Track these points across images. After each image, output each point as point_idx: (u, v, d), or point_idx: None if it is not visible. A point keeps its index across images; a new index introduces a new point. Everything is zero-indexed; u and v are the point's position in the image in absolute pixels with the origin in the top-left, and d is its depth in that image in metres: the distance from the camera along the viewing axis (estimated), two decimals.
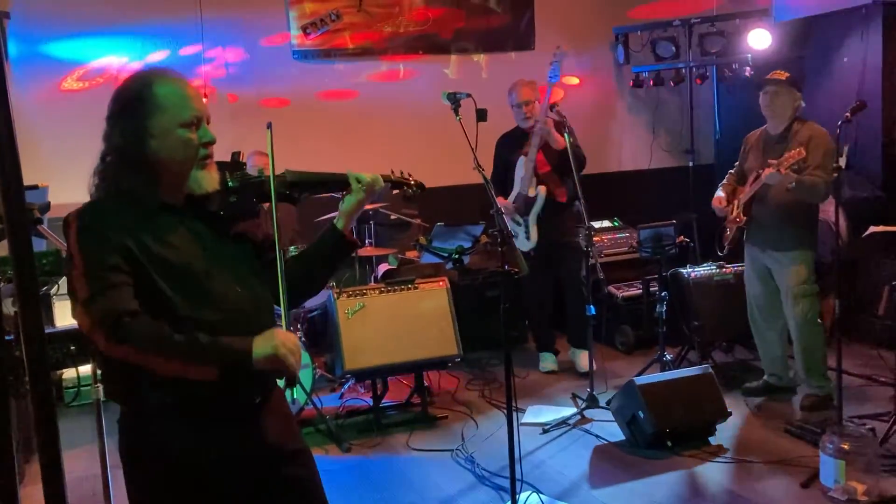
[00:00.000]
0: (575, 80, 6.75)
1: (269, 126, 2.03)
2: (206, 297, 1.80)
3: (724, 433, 4.03)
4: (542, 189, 4.94)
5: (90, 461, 3.55)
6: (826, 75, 5.83)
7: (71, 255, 1.73)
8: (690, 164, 6.46)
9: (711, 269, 5.06)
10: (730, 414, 4.02)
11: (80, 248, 1.72)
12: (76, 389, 3.57)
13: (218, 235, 1.92)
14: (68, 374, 4.36)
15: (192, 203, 1.88)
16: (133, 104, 1.82)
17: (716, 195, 4.47)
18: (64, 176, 5.09)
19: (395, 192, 2.24)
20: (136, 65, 5.53)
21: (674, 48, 6.35)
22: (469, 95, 3.29)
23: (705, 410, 3.96)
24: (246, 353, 1.72)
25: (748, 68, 6.07)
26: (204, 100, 1.91)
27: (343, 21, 5.95)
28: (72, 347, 2.70)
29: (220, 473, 1.86)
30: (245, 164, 2.01)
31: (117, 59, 5.51)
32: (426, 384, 4.67)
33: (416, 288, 4.51)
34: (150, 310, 1.72)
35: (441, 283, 4.55)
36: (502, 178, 5.09)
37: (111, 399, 1.92)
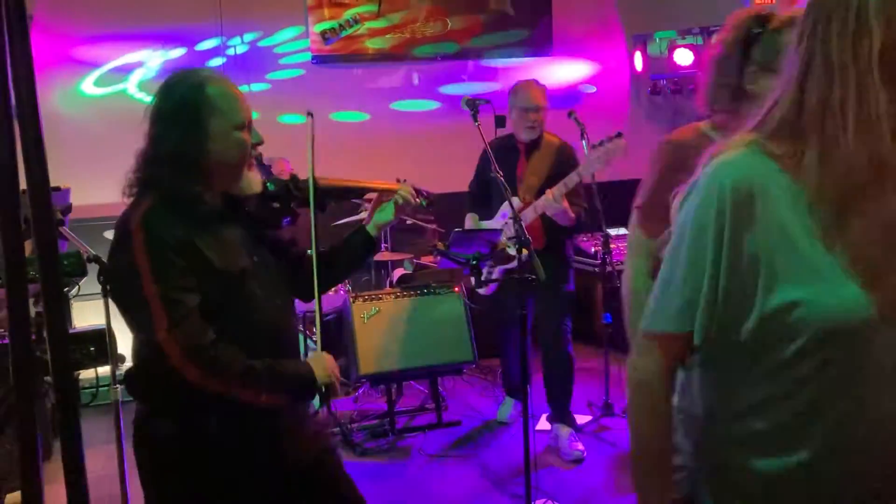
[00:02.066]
0: (592, 88, 6.73)
1: (310, 115, 2.01)
2: (245, 301, 1.82)
3: None
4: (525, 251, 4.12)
5: (106, 461, 3.57)
6: None
7: (136, 268, 1.69)
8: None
9: None
10: None
11: (153, 268, 1.69)
12: (94, 390, 3.59)
13: (255, 238, 1.93)
14: (85, 374, 4.39)
15: (230, 205, 1.88)
16: (188, 107, 1.79)
17: None
18: (84, 178, 5.15)
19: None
20: (156, 69, 5.57)
21: (693, 55, 6.33)
22: (488, 102, 3.29)
23: None
24: (312, 381, 1.84)
25: None
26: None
27: (362, 27, 5.97)
28: (91, 349, 2.72)
29: (254, 480, 1.88)
30: (270, 167, 2.03)
31: (138, 64, 5.55)
32: (440, 390, 4.66)
33: (431, 293, 4.51)
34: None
35: (457, 289, 4.55)
36: (482, 194, 4.18)
37: (141, 403, 1.91)
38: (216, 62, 5.69)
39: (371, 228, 2.13)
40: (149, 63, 5.57)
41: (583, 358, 5.48)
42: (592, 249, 5.55)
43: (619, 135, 3.76)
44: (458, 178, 5.04)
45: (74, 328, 4.15)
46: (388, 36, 6.05)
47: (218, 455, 1.83)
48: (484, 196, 4.17)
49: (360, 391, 4.88)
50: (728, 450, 1.29)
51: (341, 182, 2.09)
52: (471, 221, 4.27)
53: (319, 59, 5.91)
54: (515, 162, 4.10)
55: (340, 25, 5.93)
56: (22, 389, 1.40)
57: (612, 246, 4.52)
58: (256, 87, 5.81)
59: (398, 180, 2.23)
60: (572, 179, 3.80)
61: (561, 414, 4.18)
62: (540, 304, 4.11)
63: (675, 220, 1.27)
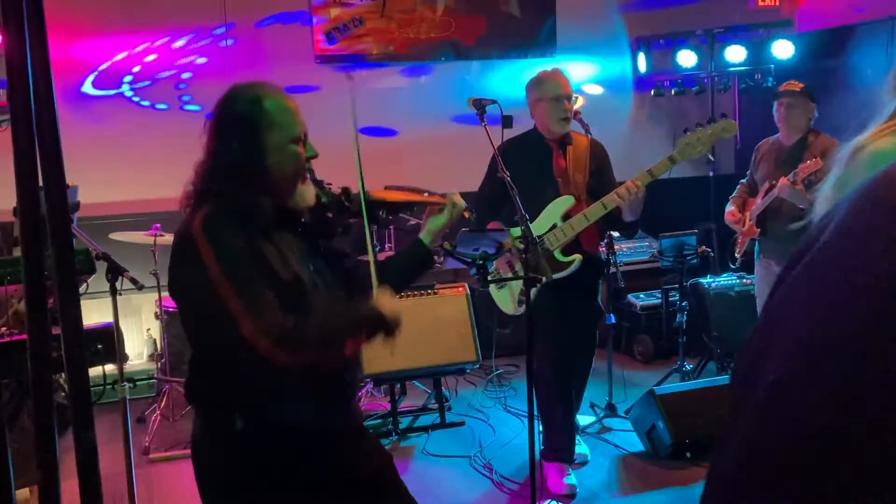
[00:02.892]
0: (596, 89, 6.74)
1: (350, 77, 2.07)
2: (304, 308, 1.82)
3: None
4: (579, 256, 3.58)
5: (113, 459, 3.57)
6: (850, 87, 5.80)
7: (207, 272, 1.71)
8: (711, 173, 6.43)
9: (732, 280, 5.04)
10: None
11: (223, 268, 1.71)
12: (102, 388, 3.59)
13: (311, 250, 1.95)
14: (92, 372, 4.39)
15: (286, 217, 1.89)
16: (247, 120, 1.82)
17: (728, 209, 4.44)
18: (91, 175, 5.16)
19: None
20: (163, 66, 5.58)
21: (696, 58, 6.34)
22: (495, 102, 3.29)
23: (720, 422, 3.93)
24: (381, 315, 1.83)
25: (771, 79, 6.05)
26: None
27: (366, 27, 5.98)
28: (98, 346, 2.72)
29: (313, 495, 1.91)
30: (322, 180, 2.03)
31: (143, 62, 5.56)
32: (444, 390, 4.67)
33: (435, 293, 4.52)
34: None
35: (461, 289, 4.55)
36: (495, 197, 3.53)
37: (197, 403, 1.94)
38: (220, 62, 5.69)
39: (425, 237, 2.13)
40: (152, 61, 5.58)
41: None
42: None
43: (724, 116, 3.67)
44: (462, 179, 5.02)
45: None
46: (391, 36, 6.05)
47: (276, 470, 1.86)
48: (501, 201, 3.54)
49: (364, 391, 4.89)
50: None
51: (392, 196, 2.12)
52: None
53: (323, 59, 5.92)
54: (549, 160, 3.69)
55: (345, 25, 5.94)
56: (38, 374, 1.40)
57: (615, 247, 4.52)
58: None
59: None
60: (664, 165, 3.51)
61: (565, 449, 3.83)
62: (575, 314, 3.71)
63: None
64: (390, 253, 5.08)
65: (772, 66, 6.02)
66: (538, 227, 3.55)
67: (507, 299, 3.75)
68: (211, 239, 1.73)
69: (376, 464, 2.07)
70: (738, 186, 4.53)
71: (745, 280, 5.01)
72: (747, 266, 4.58)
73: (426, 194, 2.19)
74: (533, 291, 3.36)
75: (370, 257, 1.97)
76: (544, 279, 2.94)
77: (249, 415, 1.84)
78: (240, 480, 1.87)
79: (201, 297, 1.76)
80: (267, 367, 1.77)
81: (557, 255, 3.56)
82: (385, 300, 1.86)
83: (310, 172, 1.95)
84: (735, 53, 6.16)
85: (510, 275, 3.62)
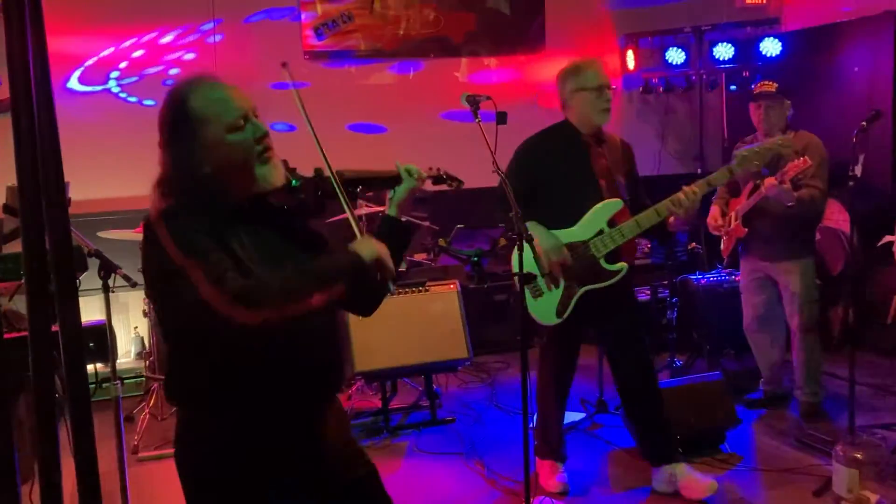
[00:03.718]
0: None
1: (284, 66, 2.01)
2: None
3: (734, 441, 4.02)
4: (625, 264, 3.38)
5: (103, 458, 3.54)
6: (836, 84, 5.84)
7: (165, 251, 1.70)
8: (699, 170, 6.46)
9: (721, 277, 5.06)
10: (741, 421, 4.02)
11: (179, 243, 1.69)
12: (94, 386, 3.55)
13: (286, 235, 1.90)
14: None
15: (257, 203, 1.85)
16: (175, 127, 1.78)
17: (711, 213, 4.46)
18: (78, 172, 5.09)
19: (435, 186, 2.23)
20: (151, 61, 5.53)
21: (685, 55, 6.36)
22: (489, 98, 3.28)
23: (716, 418, 3.95)
24: (360, 260, 1.80)
25: (759, 76, 6.08)
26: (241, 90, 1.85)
27: (355, 23, 5.96)
28: (90, 344, 2.69)
29: (286, 475, 1.88)
30: (294, 168, 1.99)
31: (130, 57, 5.51)
32: (435, 387, 4.66)
33: (426, 290, 4.51)
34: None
35: (452, 286, 4.55)
36: (526, 195, 3.30)
37: (175, 401, 1.92)
38: (207, 57, 5.65)
39: (391, 210, 2.08)
40: (139, 56, 5.53)
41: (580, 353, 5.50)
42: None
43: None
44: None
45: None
46: (380, 33, 6.03)
47: (253, 470, 1.83)
48: (533, 198, 3.37)
49: (354, 388, 4.87)
50: None
51: (366, 172, 2.08)
52: (541, 232, 3.33)
53: (312, 55, 5.89)
54: (586, 157, 3.42)
55: (333, 21, 5.91)
56: (38, 364, 1.39)
57: None
58: (248, 81, 5.78)
59: (431, 168, 2.18)
60: (723, 175, 3.33)
61: (668, 450, 3.55)
62: (616, 323, 3.50)
63: None
64: None
65: (759, 63, 6.05)
66: (581, 231, 3.34)
67: (547, 309, 3.41)
68: (167, 223, 1.72)
69: (355, 473, 2.04)
70: (718, 189, 4.55)
71: (734, 277, 5.03)
72: (736, 262, 4.61)
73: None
74: (574, 299, 3.32)
75: (348, 214, 1.94)
76: (538, 276, 2.93)
77: (226, 413, 1.81)
78: (217, 480, 1.85)
79: (163, 274, 1.73)
80: (243, 362, 1.76)
81: (603, 262, 3.34)
82: (363, 245, 1.83)
83: (270, 149, 1.87)
84: (723, 51, 6.19)
85: (546, 288, 3.38)
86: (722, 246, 4.53)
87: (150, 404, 4.54)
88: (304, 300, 1.73)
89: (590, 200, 3.35)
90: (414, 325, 4.39)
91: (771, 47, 5.95)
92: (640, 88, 6.65)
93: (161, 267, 1.72)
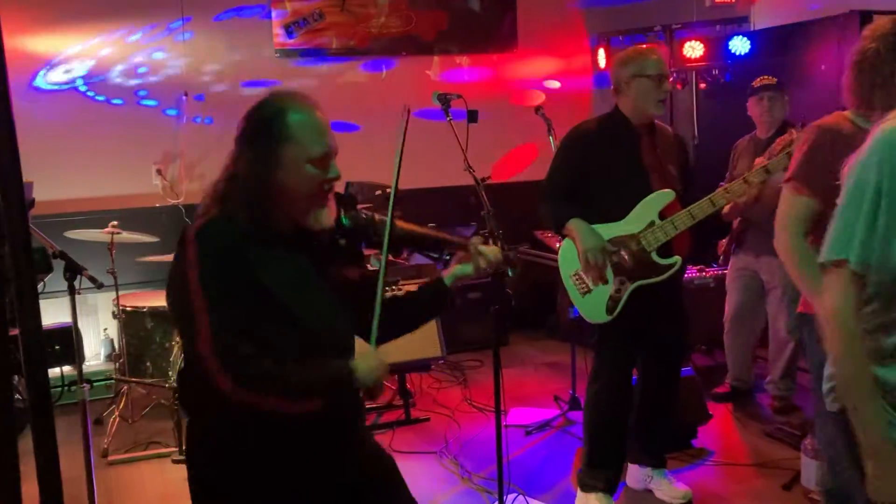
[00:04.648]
0: (556, 84, 6.77)
1: (407, 111, 2.01)
2: (297, 333, 1.80)
3: (705, 436, 4.06)
4: (679, 258, 3.22)
5: (71, 462, 3.48)
6: (804, 82, 5.91)
7: (187, 279, 1.70)
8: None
9: (692, 274, 5.10)
10: (712, 416, 4.06)
11: (201, 279, 1.69)
12: (60, 389, 3.49)
13: (319, 272, 1.88)
14: (50, 373, 4.29)
15: (299, 235, 1.84)
16: (265, 131, 1.78)
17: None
18: (44, 172, 5.02)
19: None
20: (118, 60, 5.46)
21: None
22: (460, 96, 3.28)
23: (688, 413, 3.98)
24: (349, 382, 1.78)
25: (728, 74, 6.14)
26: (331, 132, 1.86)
27: (326, 21, 5.92)
28: (56, 347, 2.65)
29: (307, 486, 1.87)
30: (357, 199, 1.96)
31: (96, 55, 5.43)
32: (408, 386, 4.65)
33: (399, 289, 4.49)
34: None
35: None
36: (571, 188, 3.26)
37: (185, 409, 1.93)
38: (177, 55, 5.59)
39: (448, 278, 2.06)
40: (107, 54, 5.45)
41: (550, 352, 5.54)
42: (557, 245, 5.59)
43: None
44: (423, 175, 5.03)
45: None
46: (352, 31, 6.01)
47: (266, 475, 1.82)
48: (577, 192, 3.26)
49: None
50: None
51: (421, 231, 2.05)
52: (583, 230, 3.20)
53: (282, 53, 5.85)
54: (637, 147, 3.26)
55: (304, 19, 5.87)
56: None
57: None
58: (218, 79, 5.73)
59: (481, 234, 2.16)
60: (782, 162, 3.08)
61: (658, 454, 3.54)
62: (664, 325, 3.36)
63: (848, 175, 1.66)
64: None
65: (729, 62, 6.11)
66: (632, 224, 3.19)
67: (596, 307, 3.25)
68: (201, 246, 1.72)
69: (373, 473, 2.04)
70: (718, 187, 4.58)
71: (704, 273, 5.08)
72: (696, 260, 4.66)
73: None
74: (625, 295, 3.18)
75: (381, 270, 1.89)
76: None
77: (233, 428, 1.81)
78: (224, 488, 1.85)
79: (179, 301, 1.75)
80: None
81: (655, 256, 3.19)
82: (365, 367, 1.81)
83: (344, 193, 1.91)
84: (693, 49, 6.24)
85: (593, 284, 3.24)
86: (721, 244, 4.57)
87: (121, 407, 4.48)
88: (286, 400, 1.75)
89: (640, 193, 3.19)
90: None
91: (740, 46, 6.01)
92: (612, 87, 6.67)
93: (180, 287, 1.73)
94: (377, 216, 1.96)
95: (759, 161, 3.99)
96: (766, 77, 4.35)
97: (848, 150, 1.74)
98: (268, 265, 1.76)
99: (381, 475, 2.06)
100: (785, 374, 4.34)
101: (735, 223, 4.37)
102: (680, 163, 3.36)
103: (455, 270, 2.06)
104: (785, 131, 4.21)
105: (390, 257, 1.95)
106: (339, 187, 1.95)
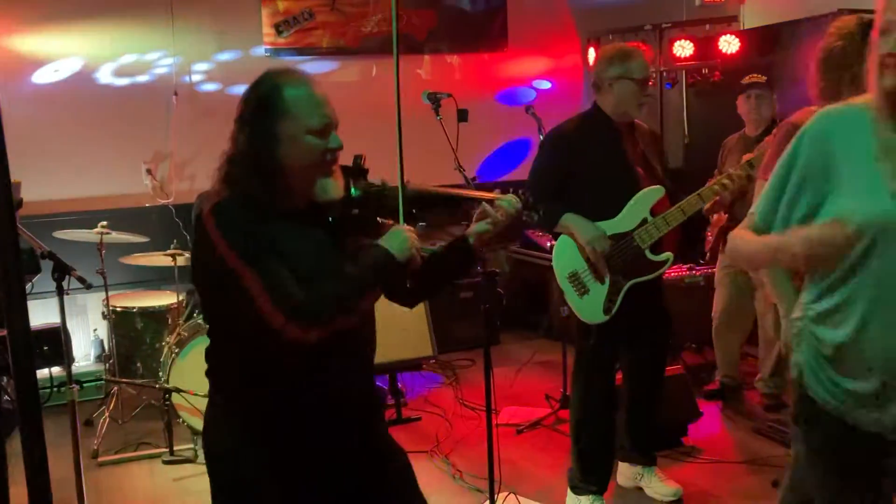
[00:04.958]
0: (546, 83, 6.78)
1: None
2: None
3: (695, 433, 4.07)
4: (670, 254, 3.26)
5: (60, 464, 3.47)
6: (793, 81, 5.93)
7: (216, 250, 1.71)
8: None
9: (682, 272, 5.12)
10: (702, 414, 4.07)
11: (232, 243, 1.71)
12: (48, 391, 3.48)
13: (335, 244, 1.89)
14: (39, 375, 4.26)
15: (313, 209, 1.85)
16: (262, 108, 1.79)
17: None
18: (32, 173, 5.00)
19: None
20: (108, 58, 5.43)
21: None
22: (450, 95, 3.28)
23: (678, 411, 3.99)
24: (392, 259, 1.83)
25: (717, 73, 6.16)
26: (330, 106, 1.87)
27: (316, 20, 5.91)
28: (45, 348, 2.64)
29: (323, 467, 1.90)
30: (367, 170, 1.94)
31: (85, 56, 5.40)
32: (399, 385, 4.65)
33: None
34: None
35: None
36: (559, 185, 3.25)
37: (210, 379, 1.92)
38: (166, 52, 5.57)
39: (471, 237, 2.02)
40: (96, 54, 5.43)
41: (542, 351, 5.54)
42: (548, 244, 5.60)
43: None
44: (417, 174, 5.00)
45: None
46: (342, 30, 6.00)
47: (283, 460, 1.84)
48: (564, 189, 3.24)
49: None
50: (807, 324, 1.81)
51: (435, 190, 2.02)
52: (581, 223, 3.18)
53: (273, 52, 5.84)
54: (621, 145, 3.25)
55: (295, 18, 5.86)
56: None
57: None
58: (208, 77, 5.71)
59: (501, 191, 2.07)
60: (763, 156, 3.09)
61: (647, 452, 3.55)
62: (650, 321, 3.37)
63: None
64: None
65: (718, 60, 6.13)
66: (625, 222, 3.19)
67: (592, 307, 3.23)
68: (219, 221, 1.73)
69: (385, 467, 2.04)
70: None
71: (695, 271, 5.09)
72: (686, 258, 4.68)
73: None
74: (621, 294, 3.17)
75: (399, 193, 1.91)
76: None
77: (252, 408, 1.84)
78: (244, 472, 1.86)
79: (213, 277, 1.77)
80: (282, 367, 1.80)
81: (648, 253, 3.20)
82: (395, 240, 1.85)
83: (354, 163, 1.91)
84: (682, 49, 6.25)
85: (595, 279, 3.21)
86: (707, 240, 4.59)
87: (111, 408, 4.46)
88: (354, 310, 1.81)
89: (629, 189, 3.19)
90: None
91: (729, 45, 6.03)
92: (593, 83, 6.68)
93: (210, 266, 1.76)
94: (387, 183, 1.95)
95: (747, 156, 4.01)
96: (755, 75, 4.39)
97: None
98: (287, 239, 1.77)
99: (395, 469, 2.06)
100: (774, 372, 4.36)
101: (723, 220, 4.39)
102: (659, 158, 3.38)
103: (475, 228, 2.03)
104: (773, 129, 4.25)
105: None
106: (348, 160, 1.95)
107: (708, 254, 4.61)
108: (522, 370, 5.25)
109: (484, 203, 2.00)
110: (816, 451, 1.87)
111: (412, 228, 1.88)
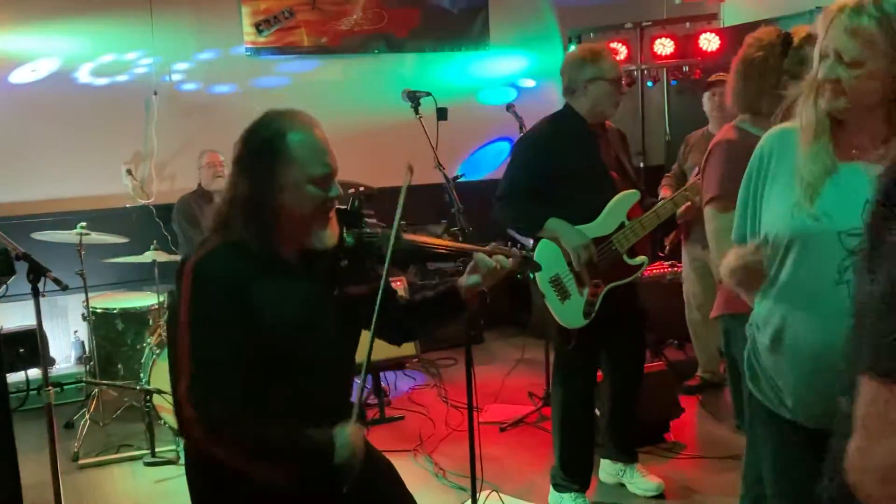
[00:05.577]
0: (528, 82, 6.79)
1: (410, 170, 1.92)
2: (295, 357, 1.78)
3: (677, 429, 4.09)
4: (645, 257, 3.28)
5: (37, 468, 3.44)
6: None
7: (178, 314, 1.69)
8: (641, 164, 6.55)
9: (663, 269, 5.14)
10: (684, 410, 4.09)
11: (191, 319, 1.67)
12: (25, 394, 3.42)
13: (322, 294, 1.86)
14: (14, 377, 4.21)
15: (304, 258, 1.82)
16: (264, 153, 1.75)
17: (662, 194, 4.54)
18: (12, 173, 4.95)
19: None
20: (79, 61, 5.39)
21: (626, 51, 6.44)
22: (429, 94, 3.28)
23: (661, 408, 4.01)
24: (329, 458, 1.74)
25: (698, 71, 6.19)
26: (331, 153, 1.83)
27: (297, 18, 5.89)
28: (20, 350, 2.61)
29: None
30: (364, 214, 1.89)
31: (61, 57, 5.36)
32: (383, 384, 4.64)
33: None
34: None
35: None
36: (535, 189, 3.20)
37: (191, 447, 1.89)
38: (146, 52, 5.53)
39: (461, 289, 1.98)
40: (74, 53, 5.38)
41: (525, 349, 5.54)
42: (531, 242, 5.60)
43: None
44: (394, 173, 4.99)
45: (1, 329, 3.99)
46: (323, 28, 5.98)
47: (262, 482, 1.80)
48: (543, 193, 3.20)
49: None
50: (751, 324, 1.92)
51: (429, 242, 2.00)
52: (565, 229, 3.15)
53: (254, 51, 5.81)
54: (596, 147, 3.25)
55: (275, 17, 5.84)
56: None
57: None
58: (188, 77, 5.68)
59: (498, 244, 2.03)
60: None
61: (628, 449, 3.57)
62: (628, 323, 3.40)
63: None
64: None
65: (699, 58, 6.16)
66: (603, 226, 3.18)
67: (573, 312, 3.22)
68: (196, 281, 1.70)
69: (368, 475, 1.96)
70: (663, 178, 4.65)
71: (676, 268, 5.11)
72: (676, 254, 4.70)
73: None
74: (600, 298, 3.16)
75: (381, 284, 1.85)
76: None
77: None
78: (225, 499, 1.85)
79: (171, 335, 1.75)
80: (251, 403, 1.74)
81: (626, 257, 3.21)
82: (344, 443, 1.76)
83: (337, 209, 1.86)
84: (663, 47, 6.28)
85: (579, 286, 3.20)
86: (666, 238, 4.62)
87: (91, 410, 4.43)
88: (259, 465, 1.73)
89: (605, 193, 3.18)
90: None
91: (710, 42, 6.06)
92: (565, 87, 6.69)
93: (172, 319, 1.74)
94: (384, 232, 1.91)
95: None
96: (720, 74, 4.44)
97: (747, 156, 1.91)
98: (267, 295, 1.73)
99: (377, 477, 2.03)
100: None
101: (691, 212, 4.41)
102: (629, 159, 3.40)
103: (467, 281, 1.98)
104: None
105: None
106: (344, 202, 1.92)
107: (668, 247, 4.63)
108: (505, 368, 5.26)
109: (476, 255, 1.96)
110: (759, 439, 1.97)
111: (359, 430, 1.80)
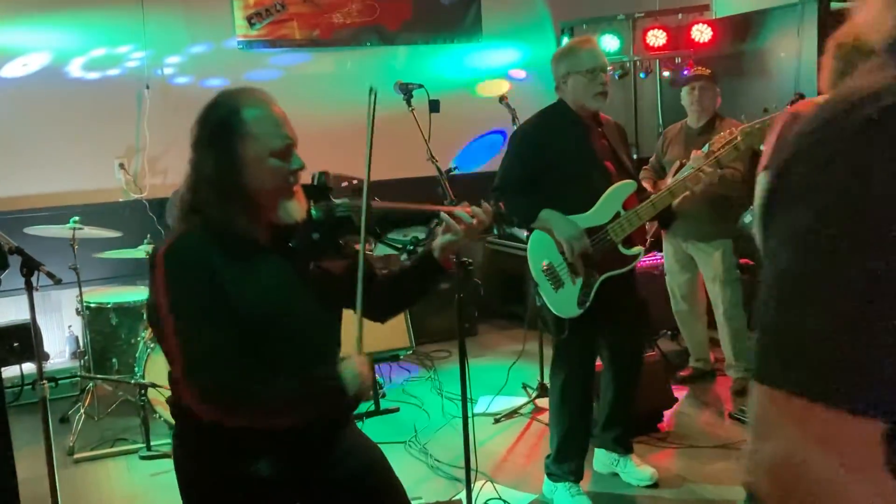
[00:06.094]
0: (521, 73, 6.79)
1: (374, 94, 1.92)
2: (279, 336, 1.78)
3: (670, 419, 4.12)
4: (641, 247, 3.28)
5: (33, 462, 3.45)
6: (764, 70, 5.99)
7: (158, 303, 1.69)
8: (635, 156, 6.56)
9: (656, 259, 5.16)
10: (676, 401, 4.12)
11: (171, 304, 1.67)
12: (19, 389, 3.42)
13: (297, 270, 1.85)
14: (8, 372, 4.21)
15: (273, 235, 1.82)
16: (222, 132, 1.74)
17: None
18: (5, 168, 4.93)
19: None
20: (78, 52, 5.37)
21: (619, 42, 6.44)
22: (421, 86, 3.27)
23: (653, 398, 4.03)
24: (341, 390, 1.76)
25: (690, 62, 6.20)
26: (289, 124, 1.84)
27: (288, 11, 5.88)
28: (14, 344, 2.61)
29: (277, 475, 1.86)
30: (332, 189, 1.89)
31: (53, 51, 5.34)
32: (378, 376, 4.66)
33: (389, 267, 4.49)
34: None
35: (368, 247, 4.53)
36: (528, 181, 3.23)
37: (171, 410, 1.93)
38: (137, 46, 5.52)
39: (436, 251, 1.97)
40: (63, 49, 5.36)
41: (519, 341, 5.55)
42: (525, 234, 5.61)
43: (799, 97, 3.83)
44: (387, 166, 5.01)
45: None
46: (315, 21, 5.97)
47: (250, 471, 1.82)
48: (535, 185, 3.23)
49: None
50: None
51: (400, 206, 1.99)
52: (559, 220, 3.18)
53: (246, 45, 5.80)
54: (589, 138, 3.27)
55: (267, 10, 5.82)
56: None
57: None
58: (179, 71, 5.66)
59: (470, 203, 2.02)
60: (730, 153, 3.41)
61: (625, 441, 3.59)
62: (626, 313, 3.39)
63: None
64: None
65: (691, 49, 6.17)
66: (598, 216, 3.19)
67: (567, 301, 3.23)
68: (169, 267, 1.69)
69: (356, 464, 2.02)
70: (642, 170, 4.67)
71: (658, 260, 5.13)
72: (658, 245, 4.75)
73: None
74: (594, 288, 3.16)
75: (360, 256, 1.86)
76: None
77: (210, 432, 1.80)
78: (213, 489, 1.86)
79: (155, 325, 1.76)
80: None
81: (621, 247, 3.22)
82: (351, 375, 1.77)
83: (319, 181, 1.88)
84: (655, 38, 6.28)
85: (572, 275, 3.20)
86: (647, 226, 4.64)
87: (86, 404, 4.43)
88: (270, 420, 1.76)
89: (599, 183, 3.20)
90: (354, 316, 4.35)
91: (701, 33, 6.07)
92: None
93: (154, 308, 1.73)
94: (351, 201, 1.91)
95: (697, 153, 4.04)
96: (700, 68, 4.52)
97: None
98: (242, 277, 1.73)
99: (368, 466, 2.05)
100: (737, 357, 4.44)
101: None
102: (626, 152, 3.41)
103: (440, 241, 1.97)
104: (715, 121, 4.33)
105: (371, 244, 1.93)
106: (306, 178, 1.91)
107: (648, 238, 4.66)
108: (499, 360, 5.27)
109: (444, 215, 1.96)
110: None
111: (364, 360, 1.82)
